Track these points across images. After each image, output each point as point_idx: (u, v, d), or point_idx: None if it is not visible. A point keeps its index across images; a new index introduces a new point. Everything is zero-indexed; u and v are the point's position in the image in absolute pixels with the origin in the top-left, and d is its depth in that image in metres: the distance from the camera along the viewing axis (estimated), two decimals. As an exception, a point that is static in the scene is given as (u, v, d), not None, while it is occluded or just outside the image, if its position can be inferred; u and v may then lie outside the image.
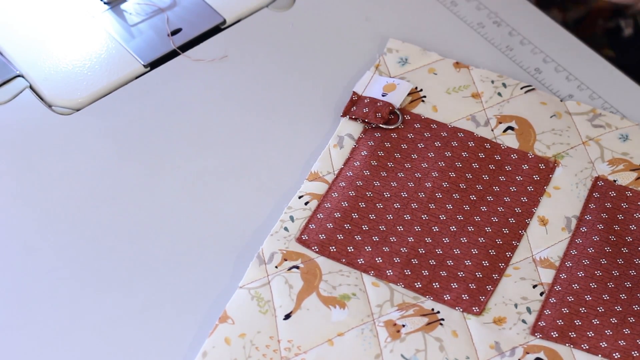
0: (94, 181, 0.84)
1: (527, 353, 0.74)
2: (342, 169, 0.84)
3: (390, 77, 0.90)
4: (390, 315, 0.76)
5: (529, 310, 0.77)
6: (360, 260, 0.79)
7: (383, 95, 0.87)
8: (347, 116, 0.87)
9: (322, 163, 0.84)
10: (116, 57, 0.92)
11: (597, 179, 0.84)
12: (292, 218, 0.81)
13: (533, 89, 0.89)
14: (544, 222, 0.82)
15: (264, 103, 0.89)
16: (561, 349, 0.75)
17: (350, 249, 0.79)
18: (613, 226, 0.81)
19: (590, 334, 0.75)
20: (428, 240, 0.80)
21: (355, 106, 0.87)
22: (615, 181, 0.84)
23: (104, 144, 0.86)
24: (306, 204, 0.82)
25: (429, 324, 0.76)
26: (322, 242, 0.79)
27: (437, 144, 0.85)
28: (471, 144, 0.85)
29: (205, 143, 0.86)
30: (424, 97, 0.89)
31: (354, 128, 0.86)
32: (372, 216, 0.81)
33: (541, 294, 0.78)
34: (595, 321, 0.76)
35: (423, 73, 0.90)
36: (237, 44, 0.93)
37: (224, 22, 0.94)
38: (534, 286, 0.78)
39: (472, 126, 0.87)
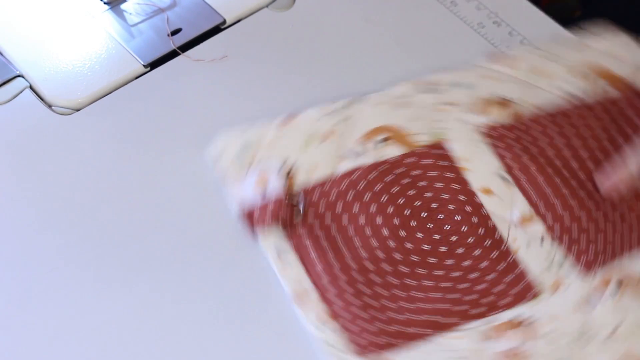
0: (94, 181, 0.84)
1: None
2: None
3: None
4: (493, 349, 0.73)
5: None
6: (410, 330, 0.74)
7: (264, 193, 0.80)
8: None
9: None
10: (116, 57, 0.92)
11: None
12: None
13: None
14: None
15: (264, 103, 0.89)
16: None
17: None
18: None
19: None
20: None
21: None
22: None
23: (104, 144, 0.86)
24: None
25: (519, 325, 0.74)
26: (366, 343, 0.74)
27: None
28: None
29: (205, 143, 0.86)
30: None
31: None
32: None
33: None
34: None
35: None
36: (237, 44, 0.93)
37: (224, 22, 0.94)
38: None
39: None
